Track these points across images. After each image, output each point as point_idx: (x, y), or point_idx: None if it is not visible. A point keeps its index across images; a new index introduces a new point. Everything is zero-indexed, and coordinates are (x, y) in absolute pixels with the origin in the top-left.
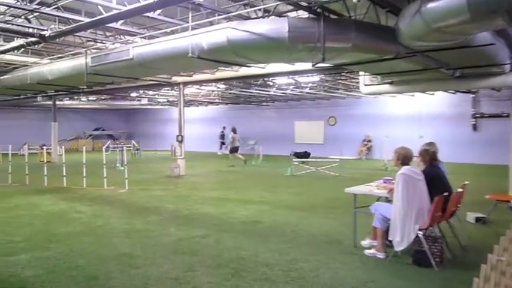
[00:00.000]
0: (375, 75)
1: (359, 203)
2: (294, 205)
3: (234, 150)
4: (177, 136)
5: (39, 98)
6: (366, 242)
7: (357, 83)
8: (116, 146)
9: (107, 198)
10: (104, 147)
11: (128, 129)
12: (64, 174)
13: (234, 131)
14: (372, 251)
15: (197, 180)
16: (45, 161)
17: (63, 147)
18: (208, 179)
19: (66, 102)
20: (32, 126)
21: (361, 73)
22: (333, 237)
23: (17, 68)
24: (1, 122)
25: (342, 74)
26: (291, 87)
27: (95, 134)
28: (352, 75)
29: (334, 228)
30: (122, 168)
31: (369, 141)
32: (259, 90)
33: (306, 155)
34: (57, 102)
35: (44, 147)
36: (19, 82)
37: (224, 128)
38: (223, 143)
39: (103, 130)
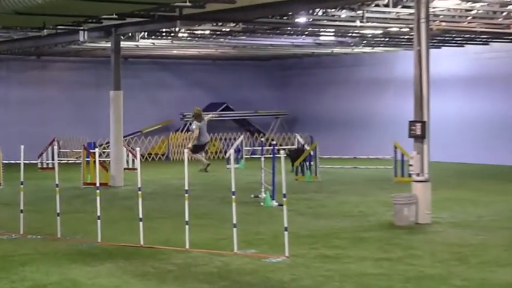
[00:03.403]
0: None
1: None
2: None
3: (198, 149)
4: (411, 125)
5: (82, 35)
6: None
7: None
8: (256, 147)
9: (238, 279)
10: (229, 151)
11: (285, 107)
12: (140, 216)
13: (197, 116)
14: None
15: (464, 238)
16: (96, 184)
17: (137, 150)
18: (492, 234)
19: (142, 42)
20: (66, 100)
21: None
22: None
23: None
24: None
25: None
26: None
27: (207, 120)
28: None
29: None
30: (274, 203)
31: None
32: None
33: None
34: (123, 44)
35: (95, 150)
36: None
37: None
38: None
39: (225, 109)
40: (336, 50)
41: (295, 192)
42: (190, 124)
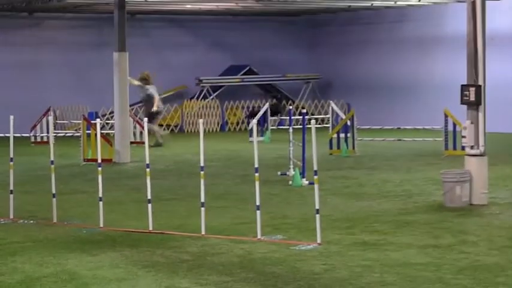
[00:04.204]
0: None
1: None
2: None
3: (152, 117)
4: (464, 90)
5: None
6: None
7: None
8: (283, 117)
9: (263, 269)
10: (252, 121)
11: (318, 70)
12: (148, 197)
13: (144, 78)
14: None
15: None
16: (97, 161)
17: (145, 120)
18: None
19: None
20: (63, 64)
21: None
22: None
23: None
24: None
25: None
26: None
27: (227, 85)
28: None
29: None
30: (305, 181)
31: None
32: None
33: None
34: None
35: (97, 122)
36: None
37: None
38: None
39: (248, 72)
40: (376, 3)
41: (330, 169)
42: (146, 90)
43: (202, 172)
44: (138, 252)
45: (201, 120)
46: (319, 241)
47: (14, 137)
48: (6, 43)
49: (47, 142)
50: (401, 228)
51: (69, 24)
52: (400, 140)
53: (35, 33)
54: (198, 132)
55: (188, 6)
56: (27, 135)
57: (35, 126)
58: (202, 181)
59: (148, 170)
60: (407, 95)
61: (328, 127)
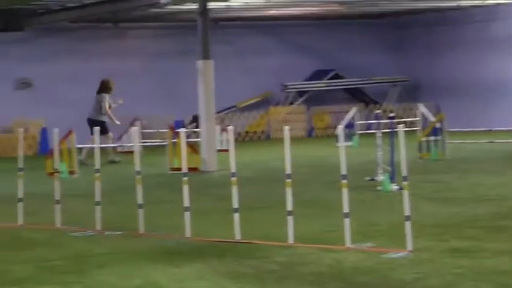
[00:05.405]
0: None
1: None
2: None
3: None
4: None
5: None
6: None
7: None
8: (371, 121)
9: (353, 279)
10: (340, 127)
11: (405, 72)
12: (235, 206)
13: (104, 86)
14: None
15: None
16: (183, 169)
17: (229, 128)
18: None
19: (234, 2)
20: (148, 73)
21: None
22: None
23: None
24: (73, 62)
25: None
26: None
27: (313, 90)
28: None
29: None
30: (394, 186)
31: None
32: None
33: None
34: (211, 5)
35: (181, 130)
36: None
37: None
38: None
39: (334, 77)
40: (463, 2)
41: (419, 173)
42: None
43: (288, 180)
44: (225, 262)
45: (286, 127)
46: (410, 248)
47: (99, 147)
48: (92, 54)
49: (130, 152)
50: (496, 233)
51: (153, 33)
52: (491, 142)
53: (120, 44)
54: (282, 139)
55: (271, 12)
56: (114, 145)
57: (121, 136)
58: (288, 189)
59: (233, 178)
60: (500, 96)
61: (417, 130)
